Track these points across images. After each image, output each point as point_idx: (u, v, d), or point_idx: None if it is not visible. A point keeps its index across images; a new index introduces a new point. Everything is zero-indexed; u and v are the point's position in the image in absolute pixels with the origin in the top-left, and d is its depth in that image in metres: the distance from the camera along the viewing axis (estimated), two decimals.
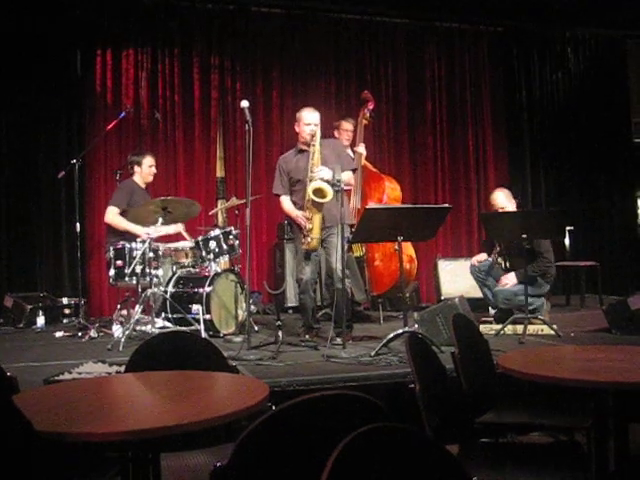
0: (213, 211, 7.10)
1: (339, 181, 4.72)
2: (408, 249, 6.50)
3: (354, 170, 5.58)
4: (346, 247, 5.13)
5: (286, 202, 5.34)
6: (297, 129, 5.34)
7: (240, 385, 2.36)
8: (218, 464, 1.57)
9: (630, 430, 2.48)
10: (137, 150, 6.75)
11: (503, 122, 8.97)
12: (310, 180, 4.99)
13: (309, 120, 5.21)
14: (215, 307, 5.66)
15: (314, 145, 5.09)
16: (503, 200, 5.70)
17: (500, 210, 5.66)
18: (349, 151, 6.50)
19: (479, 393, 2.80)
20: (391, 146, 8.57)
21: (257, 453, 1.61)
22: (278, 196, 5.40)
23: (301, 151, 5.30)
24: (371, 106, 6.91)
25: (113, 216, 5.96)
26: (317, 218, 5.02)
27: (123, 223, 5.86)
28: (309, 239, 5.06)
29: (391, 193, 6.73)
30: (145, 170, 6.24)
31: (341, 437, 1.38)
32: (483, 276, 5.81)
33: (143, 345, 2.77)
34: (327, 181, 4.86)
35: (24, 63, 7.23)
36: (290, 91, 8.25)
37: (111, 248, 5.70)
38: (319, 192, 4.88)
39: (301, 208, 5.15)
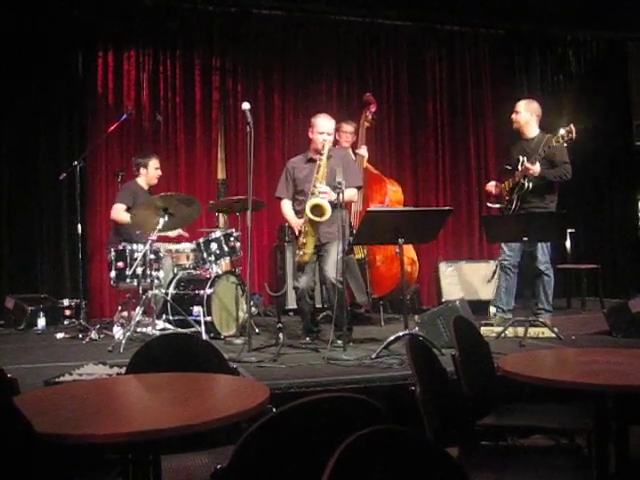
0: (213, 201, 7.03)
1: (340, 183, 4.70)
2: (410, 252, 6.50)
3: (359, 187, 5.50)
4: (347, 249, 5.12)
5: (287, 207, 5.29)
6: (310, 135, 5.25)
7: (241, 387, 2.36)
8: (218, 466, 1.57)
9: (631, 433, 2.48)
10: (142, 152, 6.74)
11: (504, 124, 8.95)
12: (311, 194, 4.95)
13: (323, 129, 5.12)
14: (216, 309, 5.66)
15: (321, 157, 5.00)
16: (522, 106, 5.75)
17: (514, 115, 5.74)
18: (352, 154, 6.50)
19: (480, 396, 2.80)
20: (392, 148, 8.57)
21: (257, 455, 1.61)
22: (280, 199, 5.35)
23: (311, 160, 5.22)
24: (373, 108, 6.91)
25: (120, 213, 5.95)
26: (311, 236, 4.98)
27: (129, 219, 5.81)
28: (301, 253, 5.04)
29: (393, 196, 6.72)
30: (151, 172, 6.24)
31: (341, 439, 1.38)
32: (513, 271, 5.71)
33: (144, 347, 2.76)
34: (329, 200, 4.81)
35: (25, 64, 7.23)
36: (291, 93, 8.26)
37: (112, 250, 5.71)
38: (317, 209, 4.82)
39: (302, 218, 5.11)
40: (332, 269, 4.97)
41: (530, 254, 5.57)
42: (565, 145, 5.35)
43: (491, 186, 5.89)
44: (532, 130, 5.73)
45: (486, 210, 5.97)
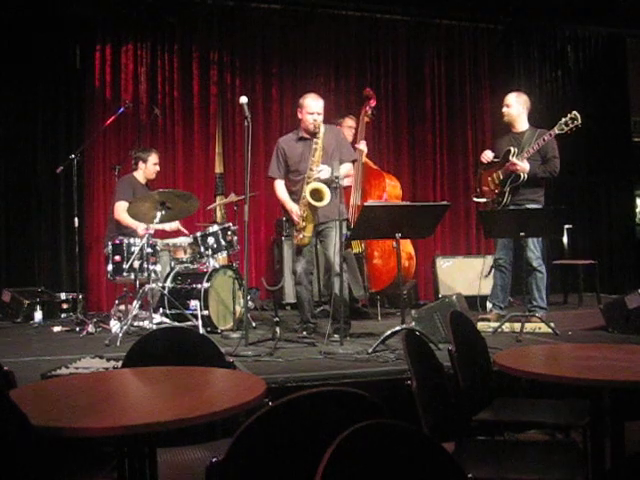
0: (211, 206, 7.09)
1: (337, 177, 4.71)
2: (407, 247, 6.51)
3: (354, 161, 5.51)
4: (345, 244, 5.12)
5: (280, 187, 5.26)
6: (299, 115, 5.24)
7: (237, 381, 2.36)
8: (214, 459, 1.57)
9: (626, 428, 2.49)
10: (142, 146, 6.74)
11: (502, 119, 8.96)
12: (309, 178, 4.97)
13: (313, 109, 5.10)
14: (213, 303, 5.66)
15: (317, 141, 5.02)
16: (513, 99, 5.69)
17: (505, 108, 5.68)
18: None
19: (476, 391, 2.81)
20: (390, 143, 8.57)
21: (253, 448, 1.61)
22: (272, 179, 5.32)
23: (302, 138, 5.22)
24: (373, 103, 6.90)
25: (124, 212, 5.91)
26: (310, 217, 5.00)
27: (129, 219, 5.81)
28: (301, 235, 5.05)
29: (392, 191, 6.72)
30: (149, 167, 6.23)
31: (337, 433, 1.38)
32: (508, 268, 5.68)
33: (140, 340, 2.77)
34: (326, 182, 4.83)
35: (23, 57, 7.22)
36: (289, 87, 8.25)
37: (109, 243, 5.70)
38: (317, 193, 4.84)
39: (297, 200, 5.10)
40: (334, 254, 4.97)
41: (521, 251, 5.54)
42: (569, 133, 5.30)
43: (487, 156, 5.73)
44: (523, 123, 5.70)
45: (483, 205, 5.93)
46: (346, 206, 6.21)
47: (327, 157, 5.04)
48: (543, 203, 5.61)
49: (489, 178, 5.71)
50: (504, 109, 5.73)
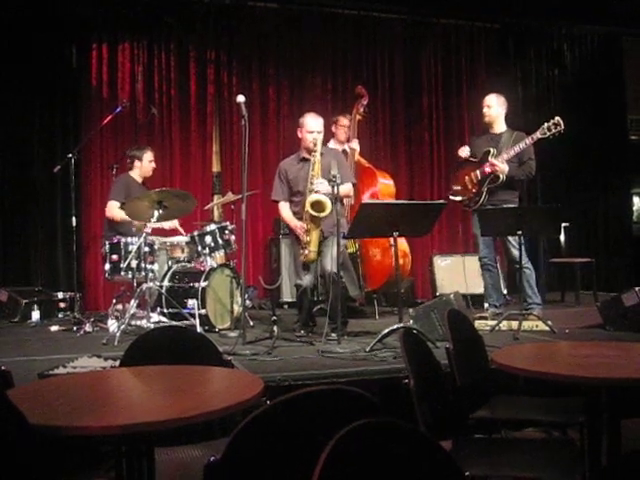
0: (208, 206, 7.10)
1: (335, 176, 4.70)
2: (401, 244, 6.49)
3: (354, 184, 5.52)
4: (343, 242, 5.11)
5: (285, 209, 5.27)
6: (300, 135, 5.24)
7: (235, 380, 2.37)
8: (212, 458, 1.58)
9: (622, 426, 2.50)
10: (137, 144, 6.74)
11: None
12: (310, 192, 4.96)
13: (312, 128, 5.11)
14: (210, 302, 5.66)
15: (315, 155, 5.02)
16: (494, 100, 5.71)
17: (486, 109, 5.71)
18: (346, 147, 6.51)
19: (473, 389, 2.81)
20: (387, 142, 8.58)
21: (251, 447, 1.61)
22: (276, 202, 5.33)
23: (303, 159, 5.22)
24: (365, 101, 6.90)
25: (114, 210, 5.93)
26: (315, 232, 4.98)
27: (122, 216, 5.81)
28: (307, 251, 5.03)
29: (385, 189, 6.69)
30: (145, 165, 6.22)
31: (335, 432, 1.39)
32: (494, 265, 5.71)
33: (138, 340, 2.77)
34: (327, 194, 4.82)
35: (19, 56, 7.20)
36: (286, 86, 8.25)
37: (107, 242, 5.69)
38: (317, 205, 4.82)
39: (301, 219, 5.09)
40: (331, 262, 4.98)
41: (505, 251, 5.59)
42: (552, 138, 5.33)
43: (465, 151, 5.76)
44: (501, 125, 5.75)
45: (460, 203, 5.92)
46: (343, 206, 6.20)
47: (327, 173, 4.98)
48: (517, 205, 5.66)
49: (466, 177, 5.74)
50: (485, 110, 5.78)
